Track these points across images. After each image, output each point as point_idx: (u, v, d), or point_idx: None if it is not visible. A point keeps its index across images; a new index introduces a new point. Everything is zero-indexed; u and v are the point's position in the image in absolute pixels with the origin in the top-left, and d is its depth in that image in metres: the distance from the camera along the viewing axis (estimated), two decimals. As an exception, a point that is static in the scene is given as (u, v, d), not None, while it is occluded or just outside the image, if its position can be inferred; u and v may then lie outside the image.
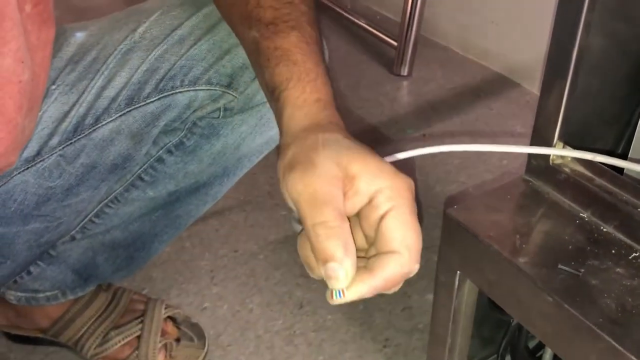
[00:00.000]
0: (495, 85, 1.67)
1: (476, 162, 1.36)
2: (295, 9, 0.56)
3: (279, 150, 0.50)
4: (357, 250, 0.46)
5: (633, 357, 0.53)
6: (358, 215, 0.46)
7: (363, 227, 0.46)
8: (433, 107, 1.59)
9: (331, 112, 0.51)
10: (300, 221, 0.45)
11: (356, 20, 1.86)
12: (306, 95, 0.51)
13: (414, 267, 0.44)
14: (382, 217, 0.44)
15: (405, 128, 1.50)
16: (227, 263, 1.12)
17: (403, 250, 0.43)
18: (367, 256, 0.46)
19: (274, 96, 0.52)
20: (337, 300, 0.43)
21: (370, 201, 0.45)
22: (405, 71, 1.70)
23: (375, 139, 1.45)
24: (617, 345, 0.54)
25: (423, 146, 0.65)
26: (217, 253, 1.14)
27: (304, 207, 0.43)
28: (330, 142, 0.46)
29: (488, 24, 1.72)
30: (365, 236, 0.46)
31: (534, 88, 1.63)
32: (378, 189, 0.44)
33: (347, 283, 0.42)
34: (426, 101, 1.61)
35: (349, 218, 0.45)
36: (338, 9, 1.93)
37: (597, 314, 0.57)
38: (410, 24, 1.66)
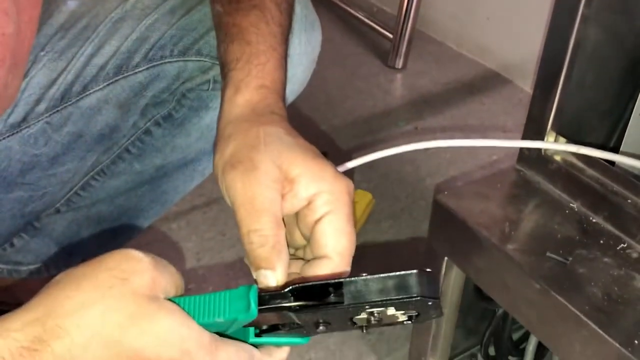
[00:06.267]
0: (488, 81, 1.67)
1: (466, 156, 1.35)
2: None
3: (217, 136, 0.49)
4: (295, 248, 0.48)
5: (617, 344, 0.53)
6: (296, 215, 0.46)
7: (300, 227, 0.46)
8: (426, 100, 1.59)
9: (273, 100, 0.50)
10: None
11: (353, 12, 1.85)
12: (250, 79, 0.50)
13: (345, 272, 0.45)
14: (317, 221, 0.44)
15: (397, 121, 1.50)
16: (214, 246, 1.11)
17: (334, 256, 0.44)
18: (304, 257, 0.47)
19: (223, 74, 0.52)
20: None
21: (308, 204, 0.45)
22: (399, 64, 1.70)
23: (366, 131, 1.44)
24: (601, 332, 0.54)
25: (396, 145, 0.65)
26: (203, 236, 1.13)
27: (240, 211, 0.43)
28: (272, 139, 0.46)
29: (484, 21, 1.71)
30: (302, 235, 0.47)
31: (527, 86, 1.63)
32: (316, 192, 0.44)
33: None
34: (419, 95, 1.61)
35: (287, 217, 0.46)
36: (335, 0, 1.92)
37: (583, 301, 0.57)
38: (406, 18, 1.65)
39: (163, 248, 1.10)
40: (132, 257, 0.38)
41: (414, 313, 0.41)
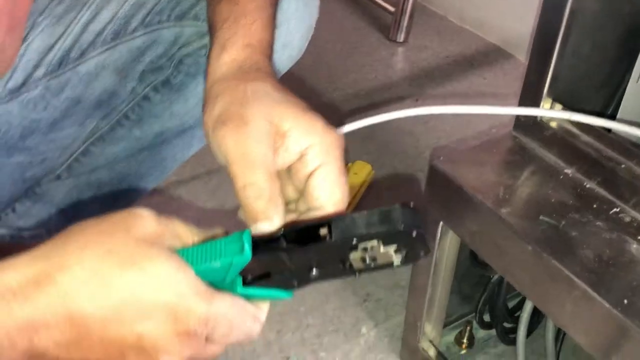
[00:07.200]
0: (489, 55, 1.67)
1: (465, 128, 1.36)
2: None
3: (205, 96, 0.49)
4: (288, 202, 0.49)
5: (607, 304, 0.54)
6: (288, 169, 0.47)
7: (293, 180, 0.47)
8: (427, 74, 1.59)
9: (259, 58, 0.51)
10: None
11: (354, -15, 1.84)
12: (236, 38, 0.50)
13: None
14: (310, 174, 0.45)
15: (398, 94, 1.50)
16: (214, 215, 1.12)
17: (329, 207, 0.45)
18: (297, 209, 0.48)
19: (210, 34, 0.53)
20: None
21: (300, 157, 0.45)
22: (401, 38, 1.69)
23: (368, 104, 1.44)
24: (592, 292, 0.55)
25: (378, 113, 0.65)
26: (204, 205, 1.14)
27: (234, 167, 0.44)
28: (260, 95, 0.46)
29: (486, -6, 1.71)
30: (295, 188, 0.48)
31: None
32: (308, 145, 0.45)
33: None
34: (420, 68, 1.61)
35: (279, 172, 0.46)
36: (336, -27, 1.91)
37: (574, 263, 0.58)
38: (408, -9, 1.65)
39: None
40: (136, 213, 0.40)
41: (403, 251, 0.41)
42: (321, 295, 0.98)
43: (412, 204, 0.41)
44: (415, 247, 0.42)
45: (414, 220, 0.41)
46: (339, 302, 0.97)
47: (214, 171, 1.21)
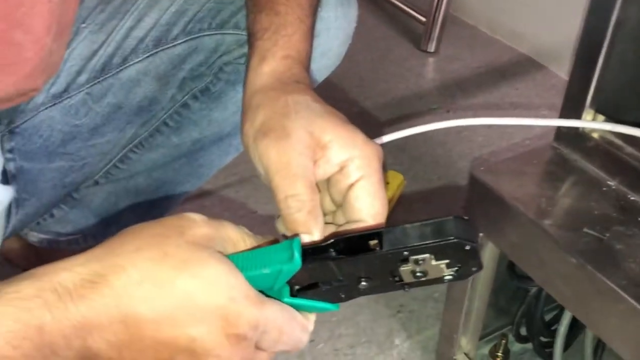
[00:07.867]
0: (521, 66, 1.65)
1: (498, 140, 1.35)
2: None
3: (244, 106, 0.49)
4: (325, 214, 0.48)
5: (656, 319, 0.53)
6: (327, 180, 0.47)
7: (331, 192, 0.47)
8: (458, 84, 1.58)
9: (298, 70, 0.51)
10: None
11: (385, -5, 1.84)
12: (276, 49, 0.51)
13: None
14: (350, 186, 0.45)
15: (429, 104, 1.49)
16: (246, 223, 1.10)
17: (369, 219, 0.45)
18: (334, 221, 0.48)
19: (249, 43, 0.53)
20: None
21: (340, 169, 0.45)
22: (432, 48, 1.69)
23: (398, 113, 1.44)
24: (639, 306, 0.54)
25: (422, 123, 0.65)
26: (236, 213, 1.14)
27: (276, 178, 0.44)
28: (301, 107, 0.46)
29: (517, 6, 1.69)
30: (333, 200, 0.47)
31: (560, 71, 1.60)
32: (349, 157, 0.45)
33: None
34: (451, 78, 1.60)
35: (317, 184, 0.46)
36: (368, -17, 1.91)
37: (620, 276, 0.57)
38: (440, 2, 1.64)
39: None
40: (189, 217, 0.41)
41: (455, 266, 0.41)
42: (354, 306, 0.97)
43: (465, 217, 0.40)
44: (468, 262, 0.41)
45: (467, 233, 0.39)
46: (372, 313, 0.97)
47: (246, 180, 1.21)
